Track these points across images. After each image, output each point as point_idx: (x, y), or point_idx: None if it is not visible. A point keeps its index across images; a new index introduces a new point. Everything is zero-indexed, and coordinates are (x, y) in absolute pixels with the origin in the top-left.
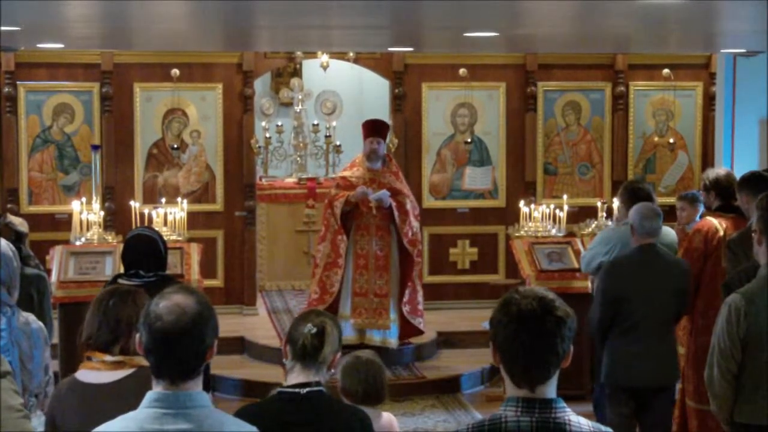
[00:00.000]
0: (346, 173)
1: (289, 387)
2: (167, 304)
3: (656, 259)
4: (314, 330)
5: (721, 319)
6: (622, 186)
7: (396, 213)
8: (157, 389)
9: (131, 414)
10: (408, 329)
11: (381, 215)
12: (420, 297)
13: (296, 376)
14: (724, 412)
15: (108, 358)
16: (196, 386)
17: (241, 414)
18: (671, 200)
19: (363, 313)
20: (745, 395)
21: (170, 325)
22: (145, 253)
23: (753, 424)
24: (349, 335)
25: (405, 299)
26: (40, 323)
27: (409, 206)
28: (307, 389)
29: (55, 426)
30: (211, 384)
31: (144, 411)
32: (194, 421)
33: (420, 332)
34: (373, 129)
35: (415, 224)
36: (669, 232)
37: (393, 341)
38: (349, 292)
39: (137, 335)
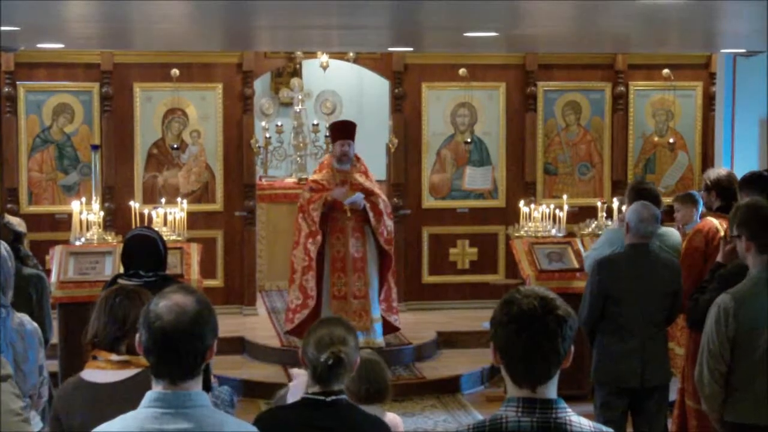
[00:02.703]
0: (317, 177)
1: (312, 394)
2: (167, 303)
3: (647, 258)
4: (330, 361)
5: (710, 319)
6: (629, 186)
7: (370, 214)
8: (156, 389)
9: (131, 414)
10: (386, 327)
11: (356, 217)
12: (394, 294)
13: (318, 388)
14: (714, 411)
15: (114, 357)
16: (196, 386)
17: (263, 417)
18: (671, 200)
19: (343, 315)
20: (734, 395)
21: (170, 324)
22: (144, 252)
23: (743, 423)
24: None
25: (381, 297)
26: (35, 324)
27: (382, 206)
28: (332, 397)
29: (60, 424)
30: (211, 384)
31: (144, 411)
32: (194, 420)
33: (396, 329)
34: (344, 131)
35: (389, 223)
36: (673, 233)
37: (379, 341)
38: (329, 296)
39: (137, 335)
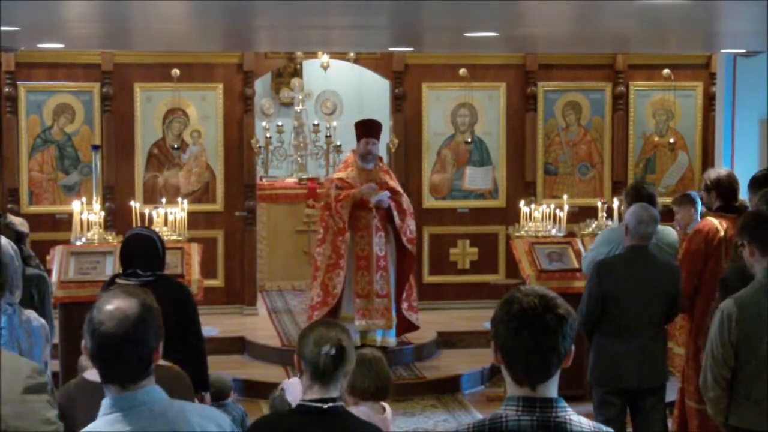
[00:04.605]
0: (341, 174)
1: (309, 401)
2: (109, 308)
3: (646, 260)
4: (333, 351)
5: (714, 325)
6: (630, 186)
7: (395, 213)
8: (109, 394)
9: (91, 426)
10: (405, 326)
11: (380, 215)
12: (415, 294)
13: (316, 393)
14: (719, 415)
15: None
16: (149, 383)
17: (259, 423)
18: (671, 200)
19: (366, 314)
20: (738, 400)
21: (112, 330)
22: (142, 252)
23: (747, 428)
24: (353, 337)
25: (403, 296)
26: (42, 321)
27: (405, 205)
28: (329, 404)
29: (64, 425)
30: (209, 384)
31: (104, 419)
32: (157, 414)
33: (416, 328)
34: (368, 129)
35: (411, 222)
36: (670, 232)
37: (392, 340)
38: (351, 294)
39: (82, 341)
